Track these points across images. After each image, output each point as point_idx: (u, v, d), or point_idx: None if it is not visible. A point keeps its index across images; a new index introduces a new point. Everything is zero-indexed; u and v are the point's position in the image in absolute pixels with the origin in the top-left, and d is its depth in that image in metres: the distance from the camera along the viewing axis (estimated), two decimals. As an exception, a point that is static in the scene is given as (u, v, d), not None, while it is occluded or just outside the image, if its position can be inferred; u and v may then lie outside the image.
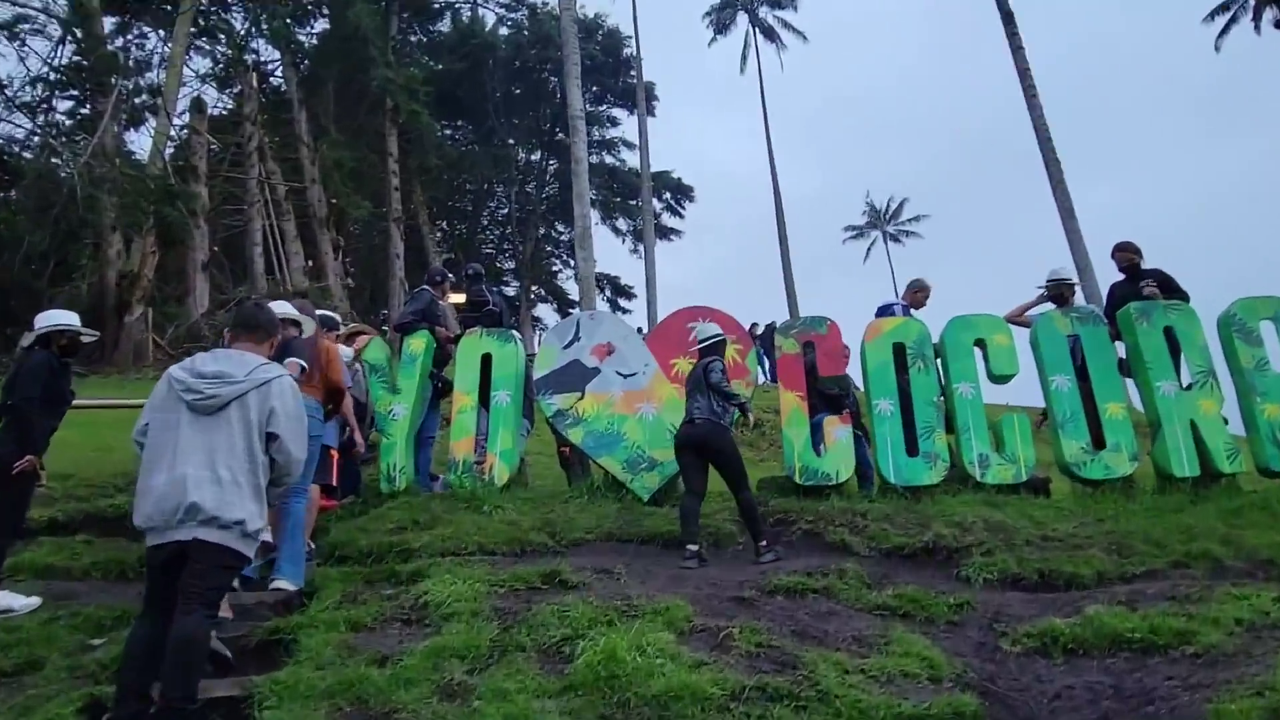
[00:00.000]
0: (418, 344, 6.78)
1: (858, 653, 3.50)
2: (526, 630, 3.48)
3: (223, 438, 3.12)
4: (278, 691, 3.06)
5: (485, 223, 35.71)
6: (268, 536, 3.75)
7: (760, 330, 18.76)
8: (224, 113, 22.64)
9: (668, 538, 5.25)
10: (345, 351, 6.50)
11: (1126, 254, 6.73)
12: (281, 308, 4.93)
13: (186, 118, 19.12)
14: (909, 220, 53.04)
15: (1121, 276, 6.78)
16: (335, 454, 5.24)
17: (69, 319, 4.88)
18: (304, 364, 4.44)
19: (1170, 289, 6.44)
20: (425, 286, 7.39)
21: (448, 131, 31.20)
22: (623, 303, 34.73)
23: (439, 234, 30.96)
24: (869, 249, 53.71)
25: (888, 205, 53.43)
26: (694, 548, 4.93)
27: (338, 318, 6.35)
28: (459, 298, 8.40)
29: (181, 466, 3.04)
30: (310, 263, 20.59)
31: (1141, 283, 6.48)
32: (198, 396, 3.15)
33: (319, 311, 6.11)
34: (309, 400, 4.45)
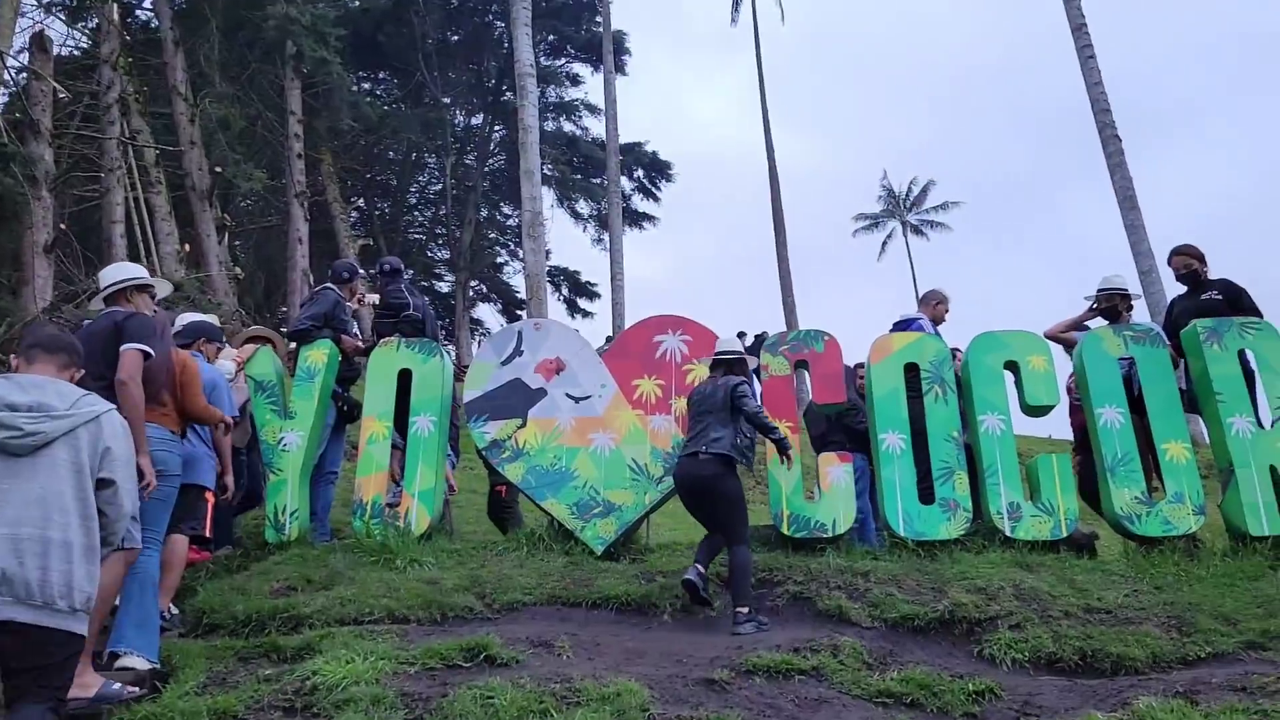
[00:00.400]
0: (318, 356, 6.74)
1: (852, 752, 3.52)
2: (440, 722, 3.46)
3: (46, 485, 3.04)
4: (119, 802, 3.00)
5: (413, 202, 35.57)
6: None
7: (749, 341, 18.91)
8: (75, 53, 22.30)
9: (624, 601, 5.27)
10: (225, 366, 6.45)
11: (1185, 258, 6.86)
12: (122, 270, 4.88)
13: (25, 58, 18.80)
14: (934, 208, 53.87)
15: (1183, 289, 6.94)
16: (210, 496, 5.20)
17: None
18: (146, 349, 4.29)
19: (1239, 305, 6.59)
20: (329, 284, 7.36)
21: (366, 86, 31.07)
22: (583, 303, 34.78)
23: (354, 215, 30.78)
24: (885, 242, 54.46)
25: (909, 189, 54.28)
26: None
27: (214, 322, 6.28)
28: (374, 298, 8.40)
29: None
30: (187, 246, 20.29)
31: (1204, 296, 6.63)
32: (13, 434, 3.04)
33: (190, 316, 6.07)
34: (160, 429, 4.41)
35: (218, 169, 20.62)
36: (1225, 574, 5.46)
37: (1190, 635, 4.71)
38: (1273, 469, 5.97)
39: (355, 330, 7.70)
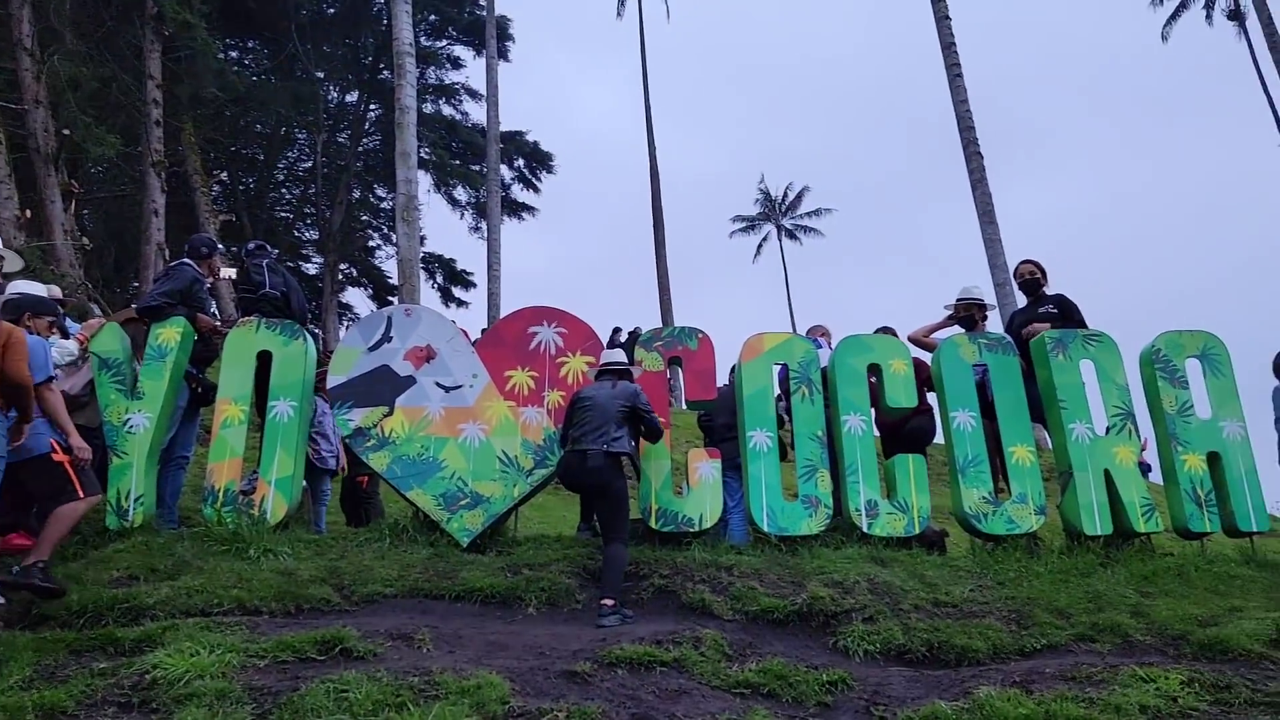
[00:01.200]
0: (170, 334, 6.42)
1: (709, 741, 3.58)
2: (290, 716, 3.34)
3: None
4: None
5: (281, 178, 34.30)
6: None
7: (624, 338, 19.02)
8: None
9: (488, 594, 5.22)
10: (67, 346, 6.08)
11: (1028, 265, 7.36)
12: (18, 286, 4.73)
13: None
14: (809, 214, 55.38)
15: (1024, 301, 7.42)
16: (61, 455, 4.92)
17: None
18: None
19: (1071, 319, 7.05)
20: (187, 260, 7.02)
21: (234, 54, 29.76)
22: (458, 292, 34.34)
23: (216, 189, 29.45)
24: (761, 244, 55.67)
25: (785, 194, 55.58)
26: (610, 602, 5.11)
27: (52, 294, 5.91)
28: (231, 272, 8.06)
29: None
30: (28, 212, 19.00)
31: (1041, 309, 7.08)
32: None
33: (22, 286, 5.70)
34: None
35: (65, 131, 19.38)
36: (1061, 570, 5.81)
37: (1028, 628, 4.98)
38: (1107, 473, 6.38)
39: (214, 309, 7.37)
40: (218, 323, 6.89)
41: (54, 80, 19.25)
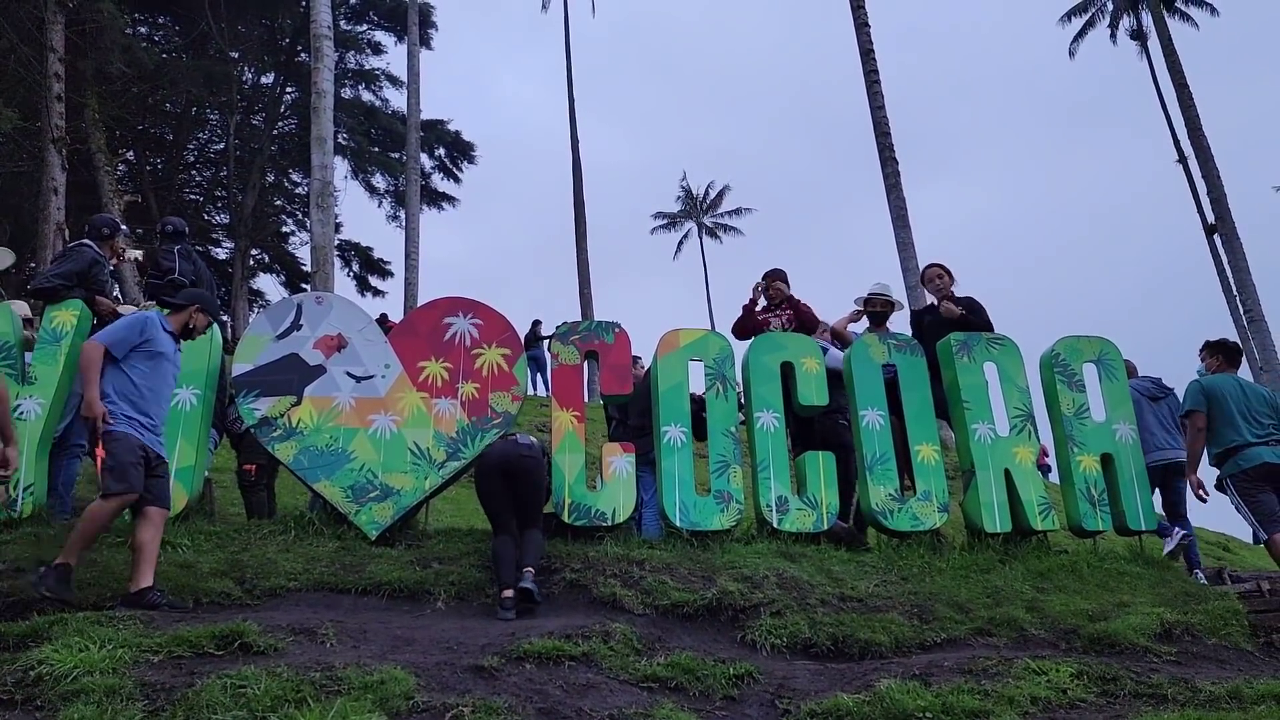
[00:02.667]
0: (65, 317, 6.16)
1: (615, 734, 3.58)
2: (184, 713, 3.23)
3: None
4: None
5: (191, 159, 33.21)
6: None
7: (546, 330, 18.94)
8: None
9: (396, 588, 5.15)
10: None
11: (936, 268, 7.58)
12: None
13: None
14: (729, 213, 55.95)
15: (932, 301, 7.61)
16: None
17: None
18: None
19: (978, 321, 7.23)
20: (87, 240, 6.75)
21: (143, 30, 28.70)
22: (374, 281, 33.85)
23: (122, 168, 28.36)
24: (681, 241, 56.05)
25: (705, 192, 56.06)
26: (512, 593, 5.07)
27: None
28: (138, 254, 7.78)
29: None
30: (-82, 187, 18.10)
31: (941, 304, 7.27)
32: None
33: None
34: None
35: (-41, 104, 18.45)
36: (962, 566, 5.98)
37: (929, 622, 5.12)
38: (1008, 472, 6.58)
39: (116, 293, 7.10)
40: (118, 306, 6.64)
41: (-53, 49, 18.32)
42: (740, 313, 7.65)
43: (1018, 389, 6.89)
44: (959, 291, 7.55)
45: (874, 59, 20.31)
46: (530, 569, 5.19)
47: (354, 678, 3.59)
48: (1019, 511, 6.49)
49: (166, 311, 5.31)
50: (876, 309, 7.59)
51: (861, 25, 20.60)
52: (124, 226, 7.23)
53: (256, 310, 30.16)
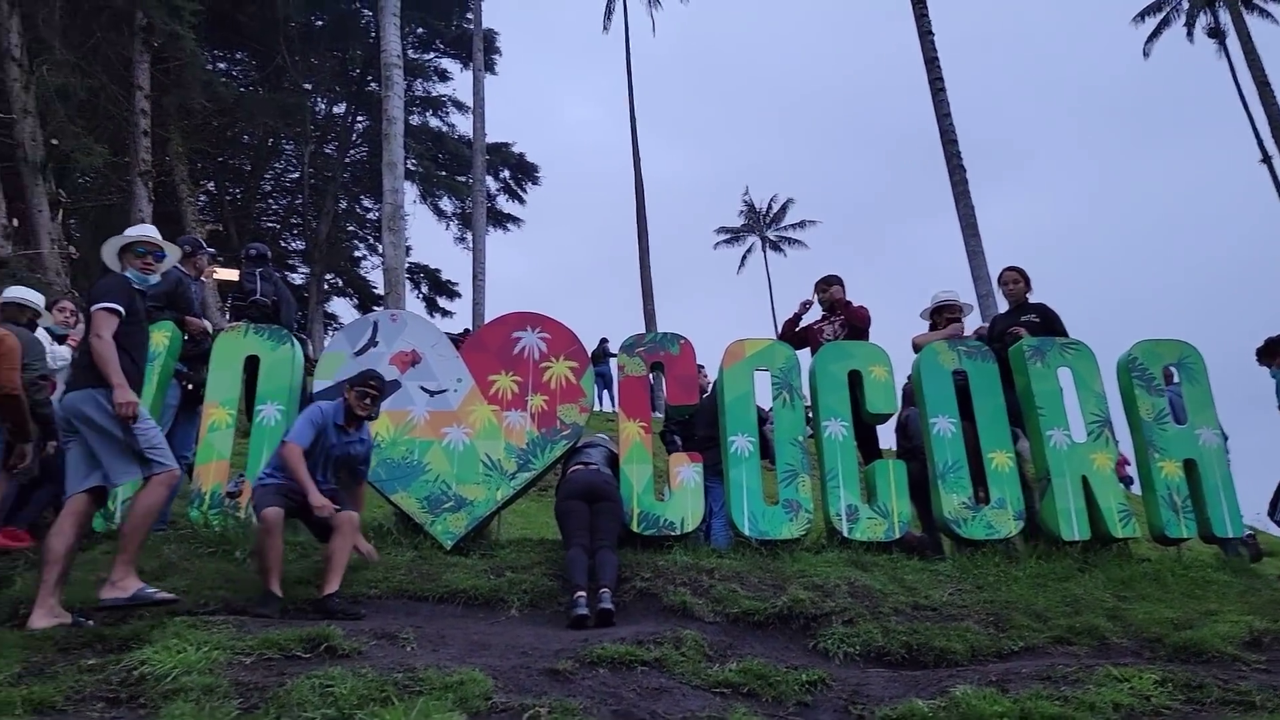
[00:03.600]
0: (158, 338, 6.44)
1: (689, 737, 3.62)
2: (276, 711, 3.37)
3: None
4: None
5: (268, 188, 34.25)
6: None
7: (613, 347, 19.10)
8: (-101, 8, 20.57)
9: (471, 596, 5.26)
10: (59, 351, 6.10)
11: (1012, 272, 7.46)
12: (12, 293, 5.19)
13: None
14: (793, 226, 55.67)
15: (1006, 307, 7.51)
16: None
17: None
18: None
19: (1053, 328, 7.14)
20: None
21: (222, 65, 29.79)
22: (442, 302, 34.37)
23: (203, 198, 29.42)
24: (745, 256, 55.90)
25: (769, 206, 55.86)
26: (584, 594, 5.11)
27: (34, 299, 5.93)
28: (230, 274, 8.13)
29: None
30: (15, 221, 18.96)
31: (1023, 317, 7.17)
32: None
33: (20, 292, 5.75)
34: None
35: (54, 141, 19.34)
36: (1039, 575, 5.88)
37: (1006, 631, 5.05)
38: (1085, 479, 6.46)
39: (207, 310, 7.43)
40: (206, 325, 6.92)
41: (43, 90, 19.24)
42: (781, 328, 7.66)
43: (1094, 394, 6.77)
44: (1032, 298, 7.46)
45: (938, 66, 20.12)
46: (607, 589, 5.22)
47: (434, 678, 3.70)
48: (1098, 519, 6.37)
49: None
50: (953, 317, 7.49)
51: (925, 33, 20.43)
52: (205, 245, 7.54)
53: (331, 333, 30.91)
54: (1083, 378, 6.82)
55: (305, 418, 5.32)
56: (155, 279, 5.08)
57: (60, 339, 6.51)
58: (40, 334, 6.03)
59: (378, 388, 5.48)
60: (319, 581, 5.06)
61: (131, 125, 22.02)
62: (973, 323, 8.07)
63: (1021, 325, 7.13)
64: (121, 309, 4.68)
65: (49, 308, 6.39)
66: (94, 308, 4.67)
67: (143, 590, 4.44)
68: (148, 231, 5.13)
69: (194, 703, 3.39)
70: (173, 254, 5.31)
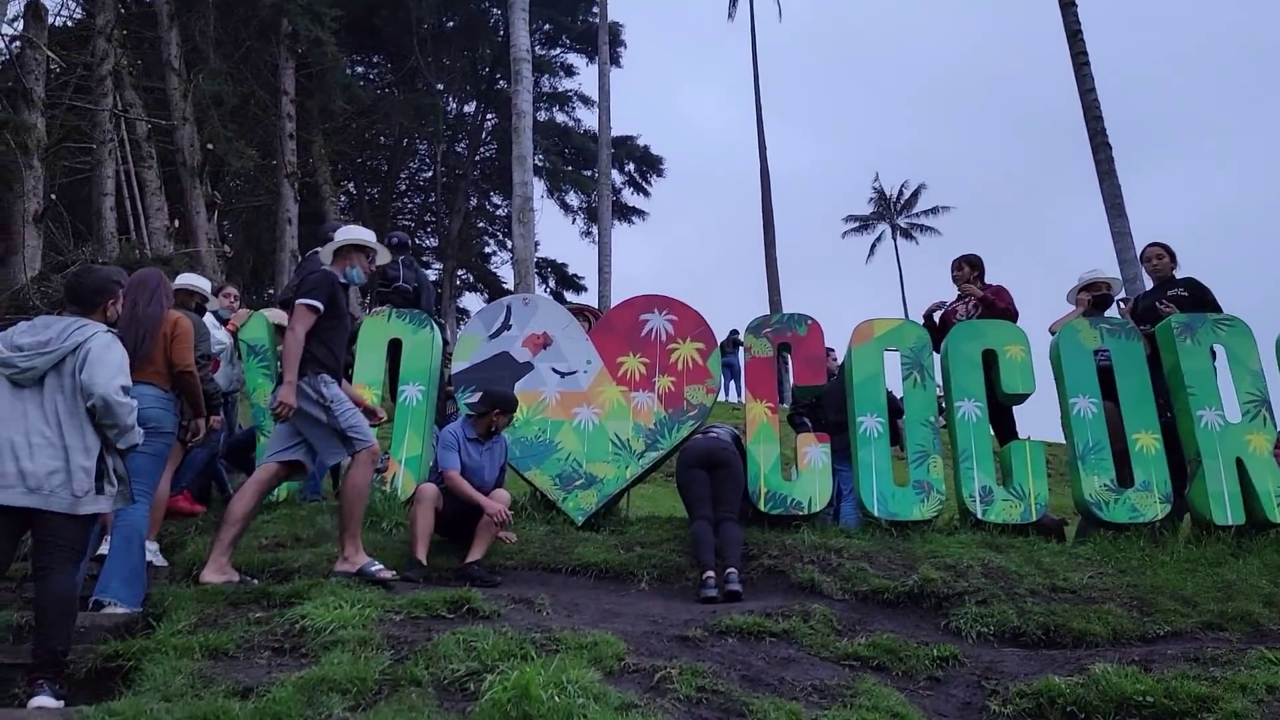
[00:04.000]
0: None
1: (818, 703, 3.68)
2: (424, 662, 3.59)
3: (44, 407, 3.73)
4: (113, 725, 3.13)
5: (403, 188, 35.64)
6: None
7: (742, 338, 19.05)
8: (70, 24, 22.27)
9: (602, 569, 5.42)
10: (220, 337, 6.56)
11: (1156, 248, 7.14)
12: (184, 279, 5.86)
13: (19, 25, 18.78)
14: (924, 212, 54.18)
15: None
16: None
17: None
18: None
19: (1202, 302, 6.80)
20: (318, 250, 7.45)
21: (360, 69, 31.09)
22: (569, 295, 34.91)
23: (343, 197, 30.81)
24: (874, 245, 54.77)
25: (899, 192, 54.55)
26: (713, 575, 5.20)
27: (203, 285, 6.38)
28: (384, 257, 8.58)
29: (3, 434, 3.63)
30: (176, 222, 20.32)
31: (1170, 292, 6.85)
32: (13, 371, 3.73)
33: (185, 280, 6.20)
34: (149, 388, 4.58)
35: (209, 146, 20.59)
36: (1188, 559, 5.64)
37: (1150, 615, 4.87)
38: (1240, 461, 6.16)
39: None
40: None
41: (199, 98, 20.52)
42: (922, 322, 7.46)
43: (1250, 372, 6.43)
44: (1178, 273, 7.13)
45: (1081, 40, 19.26)
46: (734, 569, 5.28)
47: (570, 639, 3.87)
48: (1253, 503, 6.06)
49: (470, 415, 5.86)
50: (1102, 293, 7.21)
51: (1067, 4, 19.61)
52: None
53: (462, 326, 31.88)
54: (1237, 355, 6.48)
55: (442, 446, 5.64)
56: (363, 277, 5.55)
57: (224, 322, 7.00)
58: (208, 318, 6.50)
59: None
60: (462, 552, 5.32)
61: (278, 129, 23.26)
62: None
63: (1169, 301, 6.82)
64: (321, 305, 5.05)
65: (215, 293, 6.88)
66: (297, 302, 5.07)
67: (368, 566, 4.82)
68: (369, 235, 5.70)
69: (350, 653, 3.65)
70: (383, 256, 5.79)
